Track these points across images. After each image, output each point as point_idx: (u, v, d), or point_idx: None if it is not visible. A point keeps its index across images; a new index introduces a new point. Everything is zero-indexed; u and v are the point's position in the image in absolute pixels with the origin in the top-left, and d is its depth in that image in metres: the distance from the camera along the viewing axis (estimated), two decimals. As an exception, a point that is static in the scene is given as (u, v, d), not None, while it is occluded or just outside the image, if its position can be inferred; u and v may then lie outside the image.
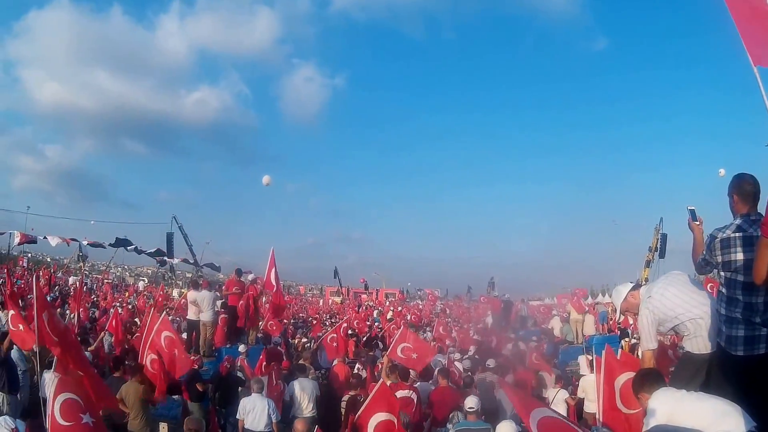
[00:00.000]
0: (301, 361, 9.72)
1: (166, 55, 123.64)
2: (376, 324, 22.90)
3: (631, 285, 4.58)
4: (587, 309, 17.48)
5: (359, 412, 6.20)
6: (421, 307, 40.79)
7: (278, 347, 11.44)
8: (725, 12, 3.70)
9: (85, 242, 31.79)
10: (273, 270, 10.80)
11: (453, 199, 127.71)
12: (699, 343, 3.97)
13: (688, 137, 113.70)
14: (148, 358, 8.04)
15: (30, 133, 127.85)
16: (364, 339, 16.03)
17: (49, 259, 58.71)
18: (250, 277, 12.52)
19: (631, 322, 20.00)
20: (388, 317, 28.31)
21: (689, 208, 4.13)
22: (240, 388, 9.07)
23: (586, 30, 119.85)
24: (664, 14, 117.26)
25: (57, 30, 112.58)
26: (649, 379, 3.69)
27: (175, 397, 9.07)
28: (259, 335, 12.40)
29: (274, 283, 10.90)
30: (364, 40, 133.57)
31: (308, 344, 13.22)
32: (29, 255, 50.85)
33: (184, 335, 11.29)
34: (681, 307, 4.02)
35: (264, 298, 14.24)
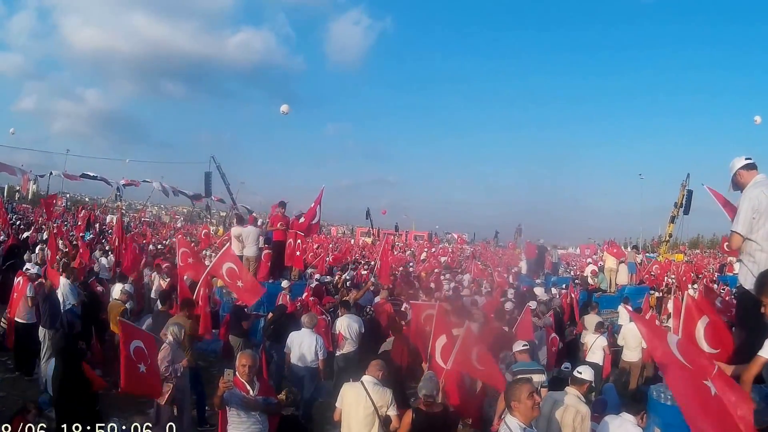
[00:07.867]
0: (345, 298, 9.59)
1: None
2: (410, 266, 22.84)
3: (745, 161, 4.24)
4: (623, 259, 17.11)
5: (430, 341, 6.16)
6: (450, 250, 40.64)
7: (321, 284, 11.37)
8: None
9: (122, 182, 32.25)
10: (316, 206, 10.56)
11: (483, 143, 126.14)
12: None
13: (723, 91, 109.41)
14: (200, 293, 7.94)
15: (69, 78, 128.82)
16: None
17: (87, 199, 60.38)
18: (295, 213, 12.27)
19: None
20: (422, 258, 28.41)
21: None
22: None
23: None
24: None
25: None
26: None
27: (214, 331, 9.00)
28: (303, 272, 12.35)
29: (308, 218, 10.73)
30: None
31: (348, 282, 13.13)
32: (68, 195, 52.29)
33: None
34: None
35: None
